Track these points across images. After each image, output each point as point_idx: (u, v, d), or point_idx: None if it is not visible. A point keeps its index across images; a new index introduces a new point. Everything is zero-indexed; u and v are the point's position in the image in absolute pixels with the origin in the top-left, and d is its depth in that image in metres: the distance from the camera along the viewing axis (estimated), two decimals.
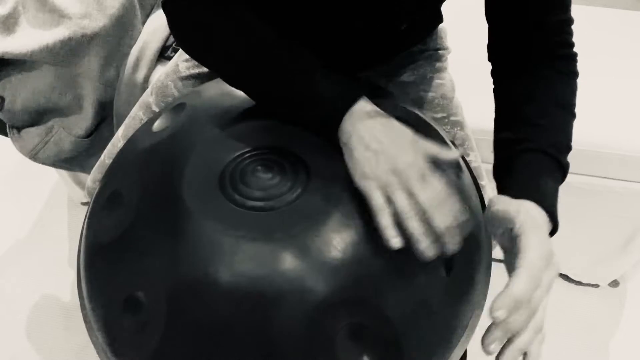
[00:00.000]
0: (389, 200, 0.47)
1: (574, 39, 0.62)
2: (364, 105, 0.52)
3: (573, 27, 0.61)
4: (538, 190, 0.53)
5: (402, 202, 0.47)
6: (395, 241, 0.46)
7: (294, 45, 0.55)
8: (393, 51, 0.77)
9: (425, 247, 0.46)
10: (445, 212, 0.46)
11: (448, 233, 0.46)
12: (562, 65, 0.61)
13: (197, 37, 0.58)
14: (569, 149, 0.58)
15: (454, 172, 0.61)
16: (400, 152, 0.49)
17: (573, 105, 0.60)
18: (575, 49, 0.62)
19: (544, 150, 0.55)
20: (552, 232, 0.54)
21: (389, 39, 0.72)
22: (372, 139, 0.50)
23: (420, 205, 0.46)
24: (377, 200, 0.48)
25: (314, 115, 0.53)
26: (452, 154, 0.52)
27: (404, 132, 0.51)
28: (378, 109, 0.53)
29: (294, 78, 0.54)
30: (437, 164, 0.50)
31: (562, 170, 0.56)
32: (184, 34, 0.60)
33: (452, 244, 0.47)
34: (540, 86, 0.59)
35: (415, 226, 0.46)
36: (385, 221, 0.47)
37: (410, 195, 0.47)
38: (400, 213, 0.47)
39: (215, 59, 0.59)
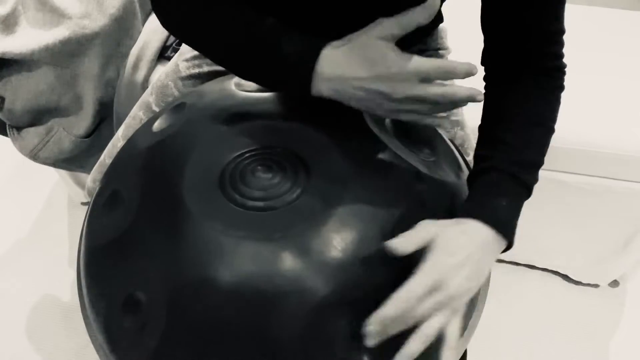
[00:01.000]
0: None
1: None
2: (326, 53, 0.51)
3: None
4: (488, 209, 0.53)
5: (419, 89, 0.49)
6: (479, 96, 0.51)
7: (263, 15, 0.55)
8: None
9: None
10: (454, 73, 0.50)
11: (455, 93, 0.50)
12: (547, 80, 0.61)
13: (176, 14, 0.59)
14: (537, 165, 0.58)
15: (454, 171, 0.61)
16: (382, 75, 0.49)
17: (552, 120, 0.60)
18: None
19: (506, 170, 0.55)
20: (507, 248, 0.55)
21: None
22: (348, 85, 0.50)
23: (434, 100, 0.50)
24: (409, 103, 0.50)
25: (287, 80, 0.53)
26: (422, 12, 0.50)
27: (370, 45, 0.50)
28: (344, 46, 0.51)
29: (260, 45, 0.54)
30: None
31: (525, 188, 0.57)
32: (167, 12, 0.60)
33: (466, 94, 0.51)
34: (519, 102, 0.60)
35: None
36: (446, 88, 0.50)
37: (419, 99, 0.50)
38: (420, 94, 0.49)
39: (194, 34, 0.60)
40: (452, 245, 0.49)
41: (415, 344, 0.45)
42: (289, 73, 0.52)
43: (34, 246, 1.40)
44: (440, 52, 0.84)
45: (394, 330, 0.45)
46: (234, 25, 0.55)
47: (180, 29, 0.61)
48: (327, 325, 0.45)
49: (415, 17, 0.49)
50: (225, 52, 0.57)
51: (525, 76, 0.60)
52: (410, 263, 0.49)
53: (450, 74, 0.50)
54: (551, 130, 0.60)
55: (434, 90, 0.49)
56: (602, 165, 1.02)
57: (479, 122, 0.62)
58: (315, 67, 0.50)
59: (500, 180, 0.55)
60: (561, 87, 0.62)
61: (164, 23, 0.62)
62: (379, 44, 0.50)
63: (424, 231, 0.49)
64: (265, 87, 0.60)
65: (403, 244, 0.48)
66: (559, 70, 0.61)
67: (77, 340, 1.20)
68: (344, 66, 0.50)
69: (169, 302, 0.47)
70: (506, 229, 0.53)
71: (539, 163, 0.58)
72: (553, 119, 0.61)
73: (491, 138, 0.59)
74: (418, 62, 0.49)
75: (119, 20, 1.01)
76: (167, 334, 0.47)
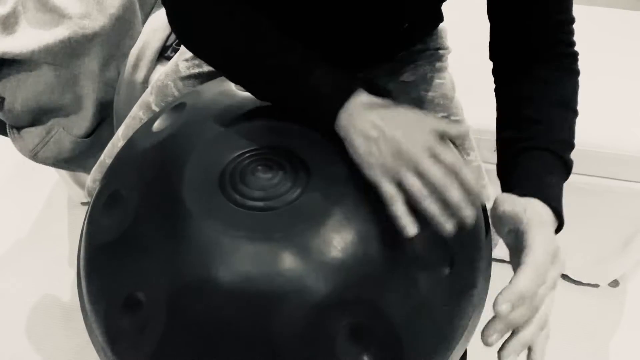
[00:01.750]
0: (400, 186, 0.47)
1: (575, 39, 0.62)
2: (360, 98, 0.52)
3: (574, 26, 0.61)
4: (543, 187, 0.53)
5: (412, 184, 0.46)
6: (409, 229, 0.46)
7: (293, 42, 0.55)
8: (394, 50, 0.77)
9: (444, 223, 0.46)
10: (459, 183, 0.46)
11: (464, 204, 0.46)
12: (562, 64, 0.61)
13: (196, 30, 0.58)
14: (572, 146, 0.58)
15: None
16: (401, 133, 0.48)
17: (574, 102, 0.60)
18: (576, 48, 0.62)
19: (548, 148, 0.55)
20: (558, 229, 0.54)
21: (390, 38, 0.72)
22: (371, 126, 0.49)
23: (433, 182, 0.46)
24: (386, 188, 0.47)
25: (311, 110, 0.53)
26: (461, 127, 0.52)
27: (405, 113, 0.51)
28: (376, 98, 0.52)
29: (291, 73, 0.54)
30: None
31: (566, 168, 0.56)
32: (183, 26, 0.60)
33: (470, 215, 0.47)
34: (541, 86, 0.59)
35: (430, 207, 0.46)
36: (397, 209, 0.46)
37: (421, 174, 0.47)
38: (413, 196, 0.46)
39: (212, 52, 0.59)
40: (540, 216, 0.49)
41: (534, 329, 0.44)
42: (318, 104, 0.53)
43: (34, 246, 1.40)
44: (440, 51, 0.84)
45: (519, 317, 0.43)
46: (262, 46, 0.55)
47: (199, 40, 0.59)
48: (327, 325, 0.45)
49: (452, 132, 0.51)
50: (249, 71, 0.57)
51: (542, 62, 0.60)
52: (410, 262, 0.49)
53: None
54: (576, 114, 0.60)
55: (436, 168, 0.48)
56: (602, 165, 1.02)
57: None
58: (348, 102, 0.51)
59: (548, 159, 0.55)
60: (577, 72, 0.61)
61: (182, 39, 0.61)
62: (412, 112, 0.51)
63: (515, 200, 0.49)
64: (285, 110, 0.58)
65: (512, 205, 0.49)
66: (573, 56, 0.61)
67: (77, 340, 1.20)
68: (373, 108, 0.51)
69: (169, 302, 0.47)
70: (559, 208, 0.53)
71: (573, 145, 0.58)
72: (576, 102, 0.60)
73: (523, 120, 0.58)
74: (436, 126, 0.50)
75: (119, 20, 1.01)
76: (167, 334, 0.47)
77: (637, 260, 1.18)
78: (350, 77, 0.54)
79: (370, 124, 0.50)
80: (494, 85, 0.65)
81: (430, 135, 0.49)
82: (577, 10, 0.61)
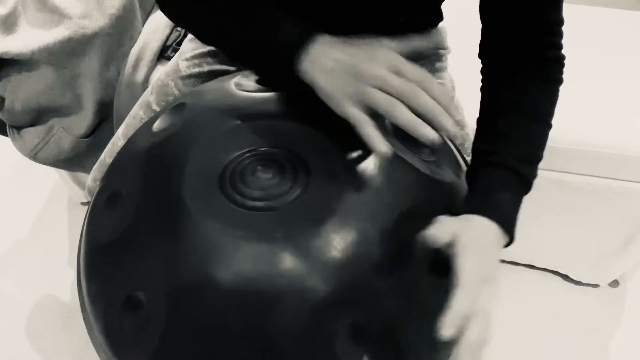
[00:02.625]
0: (371, 110, 0.46)
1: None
2: (322, 40, 0.51)
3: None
4: (494, 204, 0.54)
5: (376, 96, 0.45)
6: (381, 148, 0.45)
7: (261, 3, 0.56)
8: None
9: (421, 128, 0.45)
10: (430, 90, 0.46)
11: (438, 110, 0.46)
12: (546, 72, 0.61)
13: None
14: (536, 159, 0.58)
15: (455, 172, 0.61)
16: (360, 57, 0.47)
17: (551, 116, 0.60)
18: (564, 52, 0.61)
19: (506, 165, 0.56)
20: (509, 244, 0.56)
21: (388, 32, 0.71)
22: (331, 61, 0.49)
23: (398, 92, 0.45)
24: (353, 113, 0.46)
25: (274, 59, 0.53)
26: (423, 42, 0.51)
27: (367, 41, 0.50)
28: (338, 38, 0.52)
29: (253, 25, 0.55)
30: None
31: (525, 182, 0.57)
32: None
33: (448, 124, 0.46)
34: (521, 96, 0.59)
35: (401, 115, 0.45)
36: (367, 131, 0.46)
37: (384, 88, 0.46)
38: (381, 109, 0.45)
39: (189, 17, 0.62)
40: (476, 238, 0.50)
41: (479, 329, 0.45)
42: (278, 51, 0.53)
43: (34, 246, 1.40)
44: (440, 51, 0.84)
45: (474, 335, 0.45)
46: (231, 9, 0.56)
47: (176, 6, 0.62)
48: (327, 325, 0.45)
49: (415, 44, 0.50)
50: (219, 28, 0.58)
51: (525, 67, 0.60)
52: (410, 262, 0.49)
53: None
54: (550, 126, 0.60)
55: (399, 80, 0.46)
56: (602, 165, 1.02)
57: (472, 123, 0.62)
58: (308, 45, 0.51)
59: (503, 176, 0.55)
60: (560, 81, 0.62)
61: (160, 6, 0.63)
62: (373, 41, 0.50)
63: (451, 224, 0.50)
64: (247, 60, 0.60)
65: (439, 233, 0.49)
66: (558, 61, 0.61)
67: (77, 340, 1.20)
68: (335, 45, 0.50)
69: (169, 302, 0.47)
70: (509, 225, 0.54)
71: (539, 158, 0.59)
72: (551, 114, 0.61)
73: (492, 132, 0.59)
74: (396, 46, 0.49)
75: (119, 20, 1.01)
76: (167, 334, 0.47)
77: (637, 260, 1.18)
78: (313, 26, 0.53)
79: (331, 59, 0.49)
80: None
81: (393, 55, 0.47)
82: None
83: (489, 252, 0.51)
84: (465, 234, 0.49)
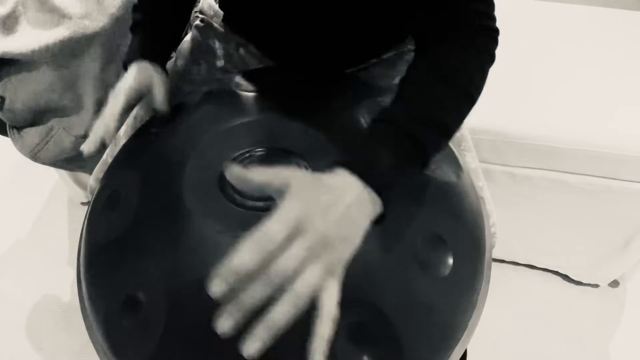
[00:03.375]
0: None
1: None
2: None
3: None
4: (366, 162, 0.45)
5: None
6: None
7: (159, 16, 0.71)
8: (375, 47, 0.76)
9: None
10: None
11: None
12: (470, 40, 0.55)
13: None
14: (432, 122, 0.49)
15: (454, 172, 0.61)
16: None
17: (466, 82, 0.53)
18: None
19: (391, 120, 0.48)
20: (381, 217, 0.45)
21: (356, 40, 0.70)
22: None
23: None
24: None
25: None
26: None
27: None
28: None
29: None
30: None
31: (416, 147, 0.47)
32: None
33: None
34: (432, 61, 0.53)
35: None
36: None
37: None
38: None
39: None
40: (318, 185, 0.41)
41: (284, 307, 0.35)
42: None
43: (34, 246, 1.40)
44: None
45: (255, 293, 0.34)
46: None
47: None
48: None
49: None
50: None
51: (450, 36, 0.55)
52: (410, 263, 0.49)
53: None
54: (467, 95, 0.52)
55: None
56: (602, 165, 1.02)
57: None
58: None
59: (388, 134, 0.47)
60: (487, 50, 0.56)
61: None
62: None
63: (285, 171, 0.41)
64: None
65: (249, 172, 0.40)
66: (488, 31, 0.56)
67: (77, 340, 1.20)
68: None
69: (169, 302, 0.47)
70: (381, 186, 0.44)
71: (438, 122, 0.50)
72: (470, 83, 0.53)
73: (396, 96, 0.52)
74: None
75: (119, 20, 1.01)
76: (167, 334, 0.47)
77: (637, 260, 1.18)
78: (147, 48, 0.68)
79: None
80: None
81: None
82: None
83: (339, 199, 0.40)
84: (304, 180, 0.40)
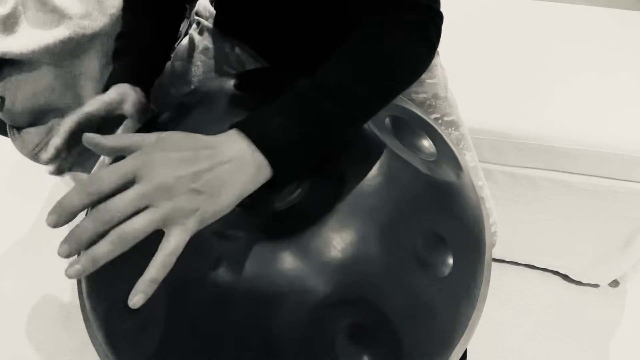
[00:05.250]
0: None
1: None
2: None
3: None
4: (252, 122, 0.45)
5: None
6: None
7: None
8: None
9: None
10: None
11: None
12: (400, 17, 0.52)
13: None
14: (336, 89, 0.47)
15: (454, 171, 0.61)
16: None
17: (378, 60, 0.50)
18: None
19: (294, 89, 0.47)
20: (275, 182, 0.44)
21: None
22: None
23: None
24: None
25: None
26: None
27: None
28: None
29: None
30: None
31: (306, 106, 0.46)
32: None
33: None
34: (350, 41, 0.51)
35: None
36: None
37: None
38: None
39: None
40: (176, 139, 0.40)
41: (104, 242, 0.36)
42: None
43: (34, 246, 1.40)
44: None
45: (85, 227, 0.37)
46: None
47: None
48: (327, 325, 0.45)
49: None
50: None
51: (379, 17, 0.52)
52: (410, 263, 0.49)
53: None
54: (378, 73, 0.50)
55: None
56: (602, 165, 1.02)
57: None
58: None
59: (284, 99, 0.46)
60: (420, 28, 0.52)
61: None
62: None
63: (137, 135, 0.41)
64: None
65: (104, 138, 0.41)
66: (423, 11, 0.53)
67: (77, 340, 1.20)
68: None
69: (169, 302, 0.47)
70: (270, 147, 0.43)
71: (346, 96, 0.47)
72: (385, 61, 0.50)
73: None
74: None
75: (120, 20, 1.01)
76: (167, 334, 0.47)
77: (637, 260, 1.18)
78: (128, 75, 0.67)
79: None
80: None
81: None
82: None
83: (197, 153, 0.40)
84: (151, 140, 0.40)
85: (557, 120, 1.02)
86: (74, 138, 0.57)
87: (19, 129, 1.06)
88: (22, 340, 1.22)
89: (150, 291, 0.38)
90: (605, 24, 1.23)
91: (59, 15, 0.95)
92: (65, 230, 0.39)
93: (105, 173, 0.37)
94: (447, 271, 0.51)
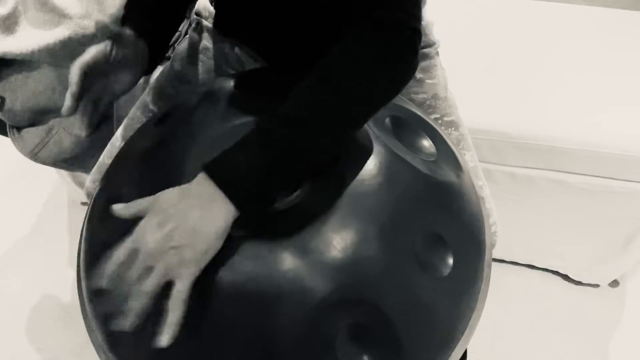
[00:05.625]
0: None
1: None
2: None
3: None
4: (218, 162, 0.47)
5: None
6: None
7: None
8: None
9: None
10: None
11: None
12: (368, 34, 0.51)
13: None
14: (283, 115, 0.48)
15: (454, 171, 0.61)
16: None
17: (341, 77, 0.49)
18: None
19: (256, 125, 0.48)
20: (245, 218, 0.46)
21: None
22: None
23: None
24: None
25: None
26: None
27: None
28: None
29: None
30: None
31: (266, 140, 0.47)
32: None
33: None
34: (322, 62, 0.51)
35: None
36: None
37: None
38: None
39: None
40: (160, 203, 0.47)
41: (133, 302, 0.44)
42: None
43: (34, 246, 1.40)
44: (426, 50, 0.79)
45: (120, 292, 0.44)
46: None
47: None
48: (327, 325, 0.45)
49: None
50: None
51: (349, 34, 0.51)
52: (410, 263, 0.49)
53: None
54: (341, 92, 0.49)
55: None
56: (602, 165, 1.02)
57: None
58: None
59: (246, 136, 0.48)
60: (388, 47, 0.50)
61: None
62: None
63: (148, 199, 0.48)
64: None
65: (123, 208, 0.48)
66: (384, 21, 0.51)
67: (77, 340, 1.20)
68: None
69: None
70: (232, 184, 0.46)
71: (304, 118, 0.48)
72: (347, 78, 0.49)
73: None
74: None
75: (119, 20, 1.01)
76: None
77: (637, 260, 1.18)
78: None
79: None
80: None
81: None
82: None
83: (170, 214, 0.46)
84: (157, 200, 0.47)
85: (557, 120, 1.02)
86: (86, 84, 0.56)
87: (19, 129, 1.06)
88: (22, 340, 1.22)
89: (172, 333, 0.44)
90: (605, 24, 1.23)
91: (59, 15, 0.95)
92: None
93: (116, 253, 0.46)
94: (447, 271, 0.51)
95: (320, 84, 0.50)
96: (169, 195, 0.47)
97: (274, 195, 0.48)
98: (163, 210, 0.46)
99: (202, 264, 0.45)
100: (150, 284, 0.44)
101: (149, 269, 0.44)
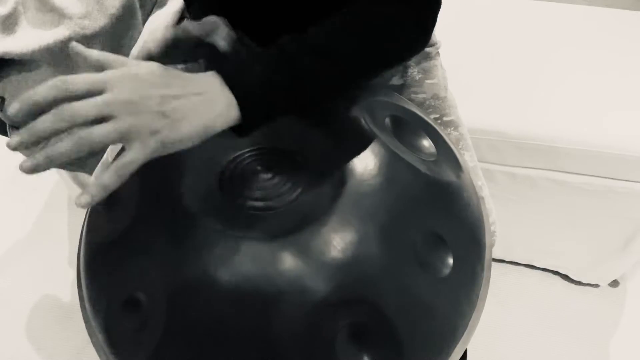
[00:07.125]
0: None
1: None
2: None
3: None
4: (232, 67, 0.45)
5: None
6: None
7: None
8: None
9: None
10: None
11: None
12: None
13: None
14: (313, 49, 0.48)
15: (454, 171, 0.61)
16: None
17: (367, 24, 0.50)
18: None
19: (279, 45, 0.47)
20: (242, 128, 0.46)
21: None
22: None
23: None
24: None
25: None
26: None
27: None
28: None
29: None
30: None
31: (284, 57, 0.46)
32: None
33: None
34: (347, 12, 0.51)
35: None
36: None
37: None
38: None
39: None
40: (155, 67, 0.42)
41: (65, 143, 0.37)
42: None
43: (34, 246, 1.40)
44: (427, 50, 0.80)
45: (44, 122, 0.37)
46: None
47: None
48: (327, 325, 0.45)
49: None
50: None
51: None
52: (410, 262, 0.49)
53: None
54: (360, 38, 0.49)
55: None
56: (602, 165, 1.02)
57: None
58: None
59: (265, 51, 0.47)
60: (415, 9, 0.52)
61: None
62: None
63: (122, 58, 0.42)
64: None
65: (87, 50, 0.42)
66: None
67: (77, 340, 1.20)
68: None
69: (169, 302, 0.47)
70: (239, 87, 0.44)
71: (323, 49, 0.48)
72: (368, 27, 0.50)
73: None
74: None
75: (119, 20, 1.01)
76: (167, 334, 0.47)
77: (637, 260, 1.18)
78: None
79: None
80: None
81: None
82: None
83: (164, 88, 0.41)
84: (133, 63, 0.41)
85: (557, 120, 1.02)
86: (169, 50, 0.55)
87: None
88: (22, 340, 1.22)
89: (97, 196, 0.38)
90: (605, 24, 1.23)
91: (59, 15, 0.95)
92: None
93: (76, 76, 0.38)
94: (447, 271, 0.51)
95: (350, 19, 0.49)
96: (174, 72, 0.43)
97: (278, 113, 0.46)
98: (164, 74, 0.41)
99: (169, 149, 0.41)
100: (101, 133, 0.37)
101: (104, 116, 0.38)
